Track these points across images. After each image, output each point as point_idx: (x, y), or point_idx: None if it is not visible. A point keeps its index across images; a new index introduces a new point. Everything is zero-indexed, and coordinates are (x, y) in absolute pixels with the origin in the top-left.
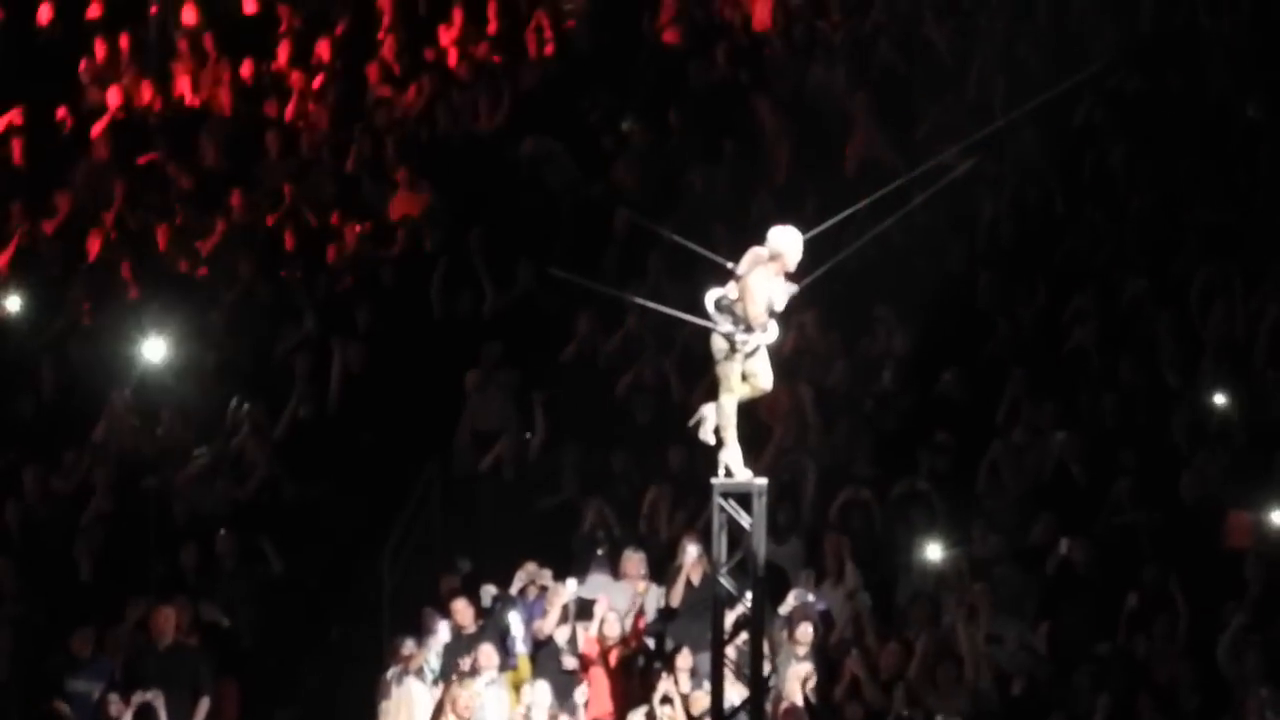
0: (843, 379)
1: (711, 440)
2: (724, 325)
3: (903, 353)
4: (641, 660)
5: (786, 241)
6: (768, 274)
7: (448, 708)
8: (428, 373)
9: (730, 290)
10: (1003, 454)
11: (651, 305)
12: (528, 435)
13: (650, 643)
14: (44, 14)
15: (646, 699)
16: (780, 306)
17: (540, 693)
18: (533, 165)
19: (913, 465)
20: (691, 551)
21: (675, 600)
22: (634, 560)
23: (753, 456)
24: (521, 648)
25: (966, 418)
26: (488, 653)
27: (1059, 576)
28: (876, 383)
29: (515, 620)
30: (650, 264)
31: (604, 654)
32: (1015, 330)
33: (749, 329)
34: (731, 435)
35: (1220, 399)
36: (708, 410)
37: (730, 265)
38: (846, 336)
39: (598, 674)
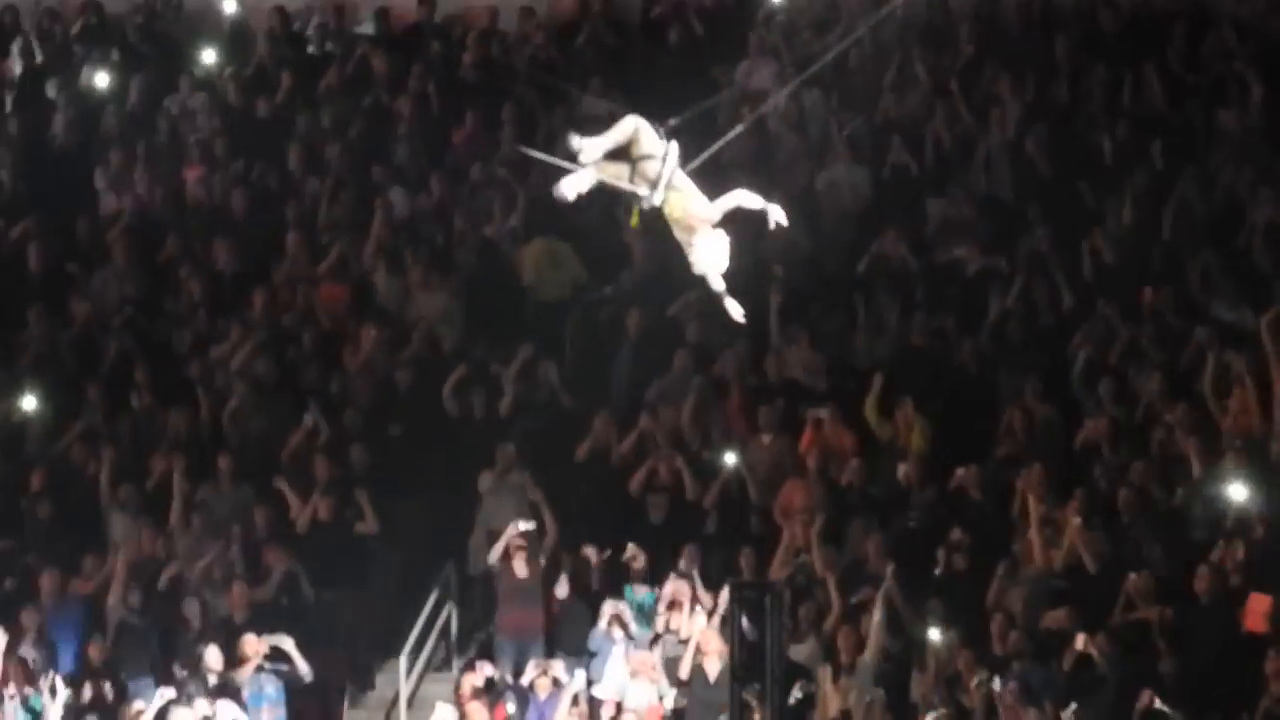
0: (857, 477)
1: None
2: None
3: (920, 449)
4: None
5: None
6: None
7: None
8: (443, 473)
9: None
10: (1018, 548)
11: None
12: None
13: None
14: (59, 124)
15: None
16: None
17: None
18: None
19: (930, 563)
20: (706, 640)
21: (690, 686)
22: (647, 659)
23: (767, 556)
24: None
25: (982, 514)
26: None
27: (1077, 671)
28: (893, 481)
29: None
30: None
31: None
32: (1029, 426)
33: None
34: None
35: (1237, 492)
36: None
37: None
38: (861, 433)
39: None
